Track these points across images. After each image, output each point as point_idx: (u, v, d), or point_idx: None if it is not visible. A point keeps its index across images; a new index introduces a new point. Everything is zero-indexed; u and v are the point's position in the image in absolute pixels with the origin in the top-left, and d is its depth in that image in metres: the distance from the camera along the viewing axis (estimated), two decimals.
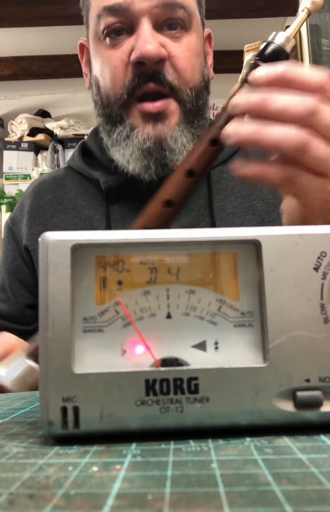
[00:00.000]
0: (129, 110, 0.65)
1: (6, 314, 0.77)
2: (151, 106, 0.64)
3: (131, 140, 0.65)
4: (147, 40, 0.59)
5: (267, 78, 0.37)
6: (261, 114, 0.36)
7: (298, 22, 0.44)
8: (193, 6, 0.66)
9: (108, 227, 0.72)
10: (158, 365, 0.31)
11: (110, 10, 0.62)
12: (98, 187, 0.75)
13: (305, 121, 0.36)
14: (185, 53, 0.64)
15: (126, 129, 0.66)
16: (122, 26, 0.63)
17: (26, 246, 0.76)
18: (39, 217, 0.76)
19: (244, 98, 0.37)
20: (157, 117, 0.65)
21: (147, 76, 0.62)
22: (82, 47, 0.75)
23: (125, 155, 0.67)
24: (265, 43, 0.43)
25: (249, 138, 0.36)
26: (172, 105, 0.65)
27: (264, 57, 0.42)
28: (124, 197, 0.74)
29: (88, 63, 0.73)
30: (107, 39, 0.64)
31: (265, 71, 0.37)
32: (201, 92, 0.69)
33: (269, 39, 0.43)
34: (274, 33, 0.43)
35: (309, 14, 0.44)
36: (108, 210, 0.73)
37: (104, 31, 0.64)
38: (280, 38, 0.43)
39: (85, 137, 0.83)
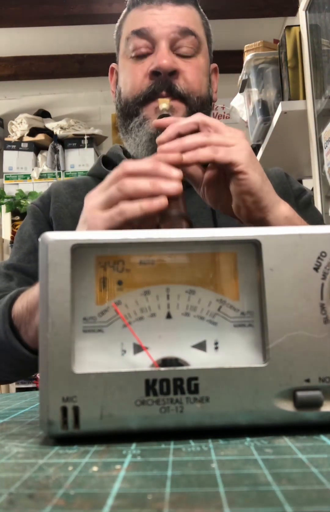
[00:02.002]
0: (144, 106, 0.77)
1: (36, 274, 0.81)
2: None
3: (143, 128, 0.78)
4: (163, 56, 0.75)
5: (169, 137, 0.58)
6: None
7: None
8: (203, 37, 0.81)
9: None
10: (156, 366, 0.31)
11: (137, 33, 0.77)
12: None
13: (206, 143, 0.56)
14: (193, 69, 0.78)
15: (140, 119, 0.78)
16: (147, 51, 0.77)
17: (51, 218, 0.87)
18: (61, 200, 0.88)
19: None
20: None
21: (162, 85, 0.76)
22: (112, 70, 0.89)
23: (136, 140, 0.80)
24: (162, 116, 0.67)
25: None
26: (180, 105, 0.78)
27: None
28: None
29: (116, 83, 0.87)
30: (133, 58, 0.79)
31: (166, 136, 0.58)
32: (205, 103, 0.81)
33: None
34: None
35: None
36: None
37: (133, 52, 0.78)
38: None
39: (85, 137, 1.00)
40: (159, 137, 0.59)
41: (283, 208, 0.59)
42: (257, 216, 0.58)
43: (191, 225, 0.55)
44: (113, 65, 0.89)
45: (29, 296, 0.64)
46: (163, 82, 0.75)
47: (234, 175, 0.56)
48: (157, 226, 0.56)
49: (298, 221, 0.61)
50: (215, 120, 0.60)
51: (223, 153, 0.56)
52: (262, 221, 0.58)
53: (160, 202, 0.52)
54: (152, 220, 0.57)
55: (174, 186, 0.53)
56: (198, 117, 0.60)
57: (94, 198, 0.57)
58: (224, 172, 0.61)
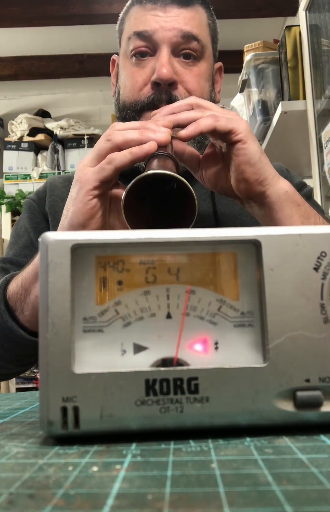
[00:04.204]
0: (141, 114, 0.76)
1: None
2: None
3: None
4: (164, 66, 0.73)
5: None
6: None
7: None
8: (207, 40, 0.79)
9: None
10: (156, 366, 0.31)
11: (138, 35, 0.76)
12: None
13: (201, 118, 0.56)
14: (194, 78, 0.77)
15: None
16: (147, 50, 0.76)
17: (46, 211, 0.87)
18: (56, 194, 0.88)
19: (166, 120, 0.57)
20: None
21: (161, 96, 0.75)
22: (114, 61, 0.89)
23: None
24: None
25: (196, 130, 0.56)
26: None
27: None
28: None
29: (116, 75, 0.86)
30: (134, 58, 0.78)
31: (160, 114, 0.59)
32: None
33: None
34: None
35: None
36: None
37: (132, 51, 0.77)
38: None
39: (85, 137, 1.00)
40: (153, 116, 0.58)
41: (283, 183, 0.59)
42: (256, 190, 0.57)
43: (176, 165, 0.54)
44: (114, 56, 0.88)
45: (25, 273, 0.64)
46: (163, 93, 0.74)
47: (233, 145, 0.56)
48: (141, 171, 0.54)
49: (299, 198, 0.60)
50: (209, 102, 0.60)
51: (224, 121, 0.55)
52: (262, 196, 0.58)
53: (149, 145, 0.52)
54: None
55: (162, 135, 0.53)
56: (192, 99, 0.60)
57: (84, 159, 0.57)
58: (221, 151, 0.60)
